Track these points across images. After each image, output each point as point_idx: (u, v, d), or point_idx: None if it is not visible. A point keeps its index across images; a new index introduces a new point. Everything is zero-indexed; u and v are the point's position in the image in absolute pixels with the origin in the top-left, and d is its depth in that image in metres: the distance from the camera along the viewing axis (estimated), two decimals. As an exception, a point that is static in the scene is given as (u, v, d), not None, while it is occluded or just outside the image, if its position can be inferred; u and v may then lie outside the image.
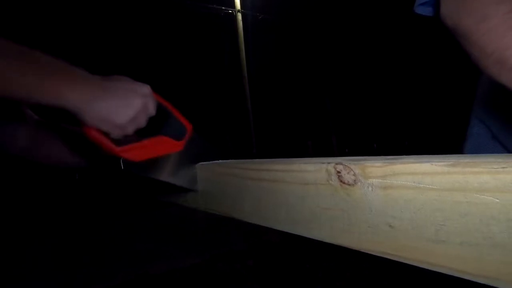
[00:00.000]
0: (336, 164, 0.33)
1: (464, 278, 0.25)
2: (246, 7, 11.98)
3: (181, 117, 0.57)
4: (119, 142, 0.50)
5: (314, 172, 0.36)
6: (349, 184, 0.32)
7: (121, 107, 0.49)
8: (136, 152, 0.51)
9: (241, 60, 11.48)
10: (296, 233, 0.40)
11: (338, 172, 0.33)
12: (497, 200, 0.23)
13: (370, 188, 0.30)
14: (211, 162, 0.59)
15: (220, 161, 0.59)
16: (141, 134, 0.53)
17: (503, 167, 0.22)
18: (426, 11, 0.60)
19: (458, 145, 0.76)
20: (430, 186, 0.26)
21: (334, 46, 14.20)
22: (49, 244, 4.25)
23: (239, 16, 11.53)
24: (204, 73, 13.53)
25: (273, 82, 14.52)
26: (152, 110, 0.53)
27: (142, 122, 0.52)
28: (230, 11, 11.60)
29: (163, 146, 0.55)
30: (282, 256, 2.96)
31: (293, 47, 14.59)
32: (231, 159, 0.60)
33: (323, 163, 0.34)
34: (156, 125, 0.55)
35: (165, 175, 0.56)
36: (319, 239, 0.36)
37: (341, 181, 0.33)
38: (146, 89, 0.52)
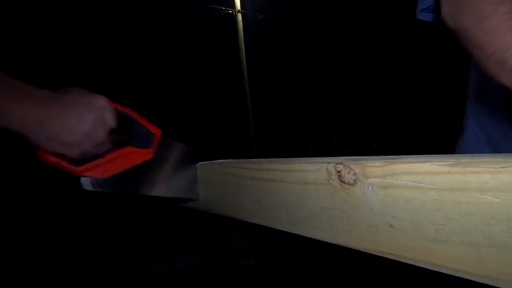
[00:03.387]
0: (336, 163, 0.33)
1: (464, 278, 0.25)
2: (246, 7, 12.00)
3: (147, 124, 0.53)
4: (79, 161, 0.45)
5: (314, 171, 0.36)
6: (349, 184, 0.32)
7: (72, 124, 0.43)
8: (101, 169, 0.47)
9: (241, 60, 11.48)
10: (296, 233, 0.40)
11: (338, 171, 0.33)
12: (497, 199, 0.23)
13: (370, 188, 0.30)
14: (210, 162, 0.59)
15: (220, 160, 0.59)
16: (104, 148, 0.49)
17: (503, 167, 0.22)
18: (427, 16, 0.61)
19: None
20: (430, 186, 0.26)
21: (334, 46, 14.21)
22: (49, 244, 4.25)
23: (239, 16, 11.54)
24: (204, 73, 13.53)
25: (273, 82, 14.53)
26: (110, 122, 0.48)
27: (100, 136, 0.47)
28: (230, 11, 11.61)
29: (131, 157, 0.51)
30: (282, 256, 2.95)
31: (293, 47, 14.60)
32: (231, 159, 0.60)
33: (323, 162, 0.34)
34: (120, 137, 0.51)
35: (154, 190, 0.53)
36: (319, 239, 0.36)
37: (341, 180, 0.33)
38: (100, 100, 0.47)
